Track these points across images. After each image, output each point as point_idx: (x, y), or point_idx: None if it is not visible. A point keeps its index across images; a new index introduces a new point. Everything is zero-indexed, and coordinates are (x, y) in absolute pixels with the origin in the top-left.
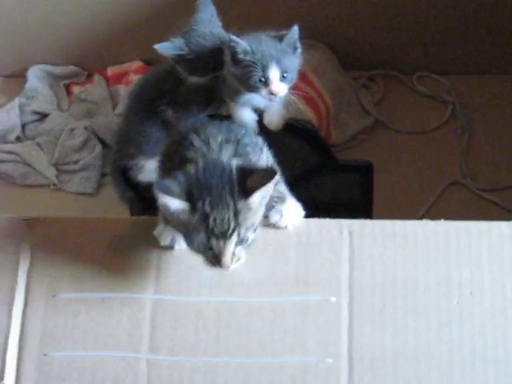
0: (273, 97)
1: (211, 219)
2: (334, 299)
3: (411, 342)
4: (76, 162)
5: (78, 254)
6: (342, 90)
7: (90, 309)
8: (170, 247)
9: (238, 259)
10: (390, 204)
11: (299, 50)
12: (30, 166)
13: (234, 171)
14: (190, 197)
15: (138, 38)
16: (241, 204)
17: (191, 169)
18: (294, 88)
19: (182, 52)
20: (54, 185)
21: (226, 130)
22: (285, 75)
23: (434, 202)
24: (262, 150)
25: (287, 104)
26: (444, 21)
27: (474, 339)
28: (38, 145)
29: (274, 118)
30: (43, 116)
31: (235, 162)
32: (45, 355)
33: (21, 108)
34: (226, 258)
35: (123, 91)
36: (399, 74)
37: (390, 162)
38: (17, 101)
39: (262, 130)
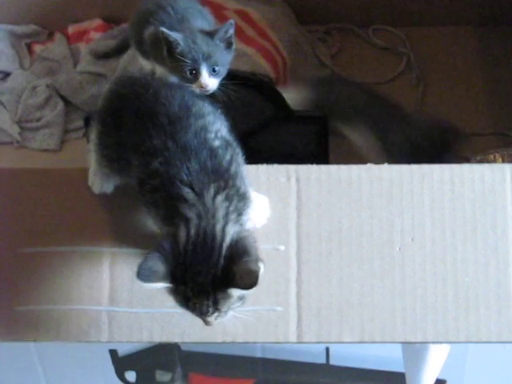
0: (203, 90)
1: (191, 303)
2: (282, 248)
3: (356, 290)
4: (38, 120)
5: (37, 206)
6: (299, 44)
7: (51, 263)
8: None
9: (224, 316)
10: (346, 155)
11: (233, 46)
12: None
13: (224, 251)
14: (174, 278)
15: None
16: (221, 295)
17: (181, 236)
18: (250, 42)
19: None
20: (18, 142)
21: (212, 166)
22: (215, 69)
23: None
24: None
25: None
26: None
27: (414, 285)
28: (1, 103)
29: None
30: (5, 75)
31: (230, 233)
32: (12, 309)
33: None
34: (208, 322)
35: (84, 49)
36: (355, 26)
37: None
38: None
39: None
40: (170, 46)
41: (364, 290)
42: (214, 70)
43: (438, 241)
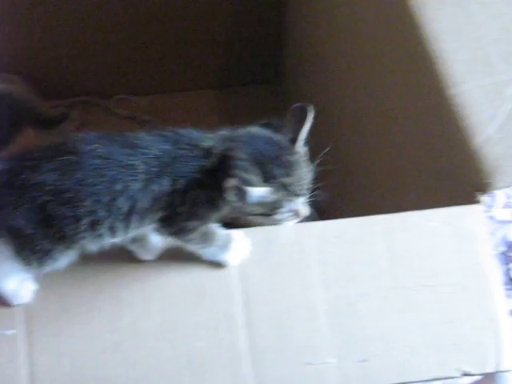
0: None
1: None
2: (11, 332)
3: (88, 366)
4: None
5: None
6: None
7: None
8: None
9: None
10: None
11: None
12: None
13: None
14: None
15: None
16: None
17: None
18: None
19: None
20: None
21: None
22: None
23: None
24: None
25: None
26: (134, 45)
27: (147, 355)
28: None
29: None
30: None
31: None
32: None
33: None
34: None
35: None
36: (97, 98)
37: None
38: None
39: None
40: None
41: (97, 365)
42: None
43: (166, 310)
